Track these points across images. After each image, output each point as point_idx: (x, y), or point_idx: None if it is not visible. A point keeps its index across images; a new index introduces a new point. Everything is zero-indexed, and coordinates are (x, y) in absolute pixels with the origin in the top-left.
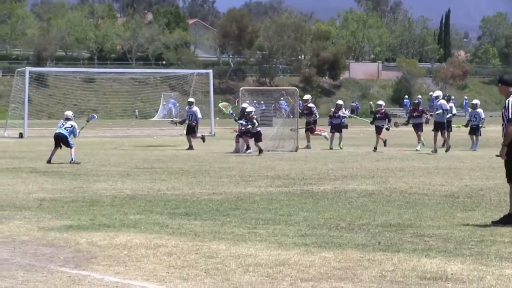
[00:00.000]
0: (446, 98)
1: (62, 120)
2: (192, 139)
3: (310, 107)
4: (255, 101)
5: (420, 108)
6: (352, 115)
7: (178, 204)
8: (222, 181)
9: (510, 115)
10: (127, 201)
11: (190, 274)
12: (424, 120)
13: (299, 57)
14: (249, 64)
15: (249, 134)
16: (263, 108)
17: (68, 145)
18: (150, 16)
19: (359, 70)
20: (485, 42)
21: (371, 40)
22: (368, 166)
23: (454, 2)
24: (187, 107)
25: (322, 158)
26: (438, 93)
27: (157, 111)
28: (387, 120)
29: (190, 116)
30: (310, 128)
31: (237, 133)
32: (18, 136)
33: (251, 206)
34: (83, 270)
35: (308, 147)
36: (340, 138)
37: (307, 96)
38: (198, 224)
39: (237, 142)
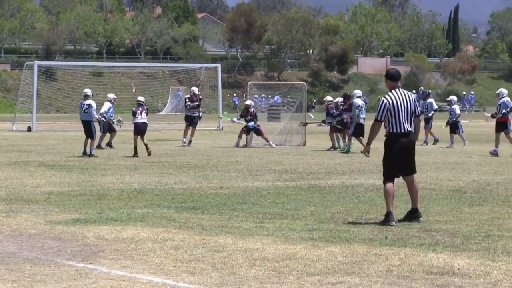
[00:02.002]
0: (425, 94)
1: (82, 101)
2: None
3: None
4: (263, 95)
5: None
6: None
7: (185, 198)
8: (230, 175)
9: (378, 116)
10: (134, 195)
11: (196, 268)
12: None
13: (308, 51)
14: (257, 58)
15: (245, 128)
16: (271, 102)
17: (90, 134)
18: (159, 10)
19: (367, 64)
20: (494, 37)
21: (379, 35)
22: (375, 160)
23: None
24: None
25: (330, 153)
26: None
27: (165, 105)
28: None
29: None
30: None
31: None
32: (26, 129)
33: (258, 200)
34: (90, 263)
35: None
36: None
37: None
38: (205, 218)
39: (239, 137)
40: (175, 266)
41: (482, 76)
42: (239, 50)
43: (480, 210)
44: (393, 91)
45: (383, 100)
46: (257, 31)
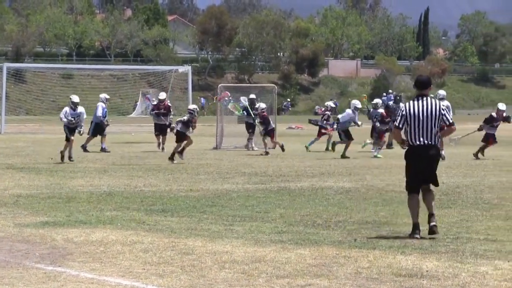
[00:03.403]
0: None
1: (69, 110)
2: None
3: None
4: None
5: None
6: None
7: (155, 200)
8: (200, 178)
9: (396, 123)
10: (104, 197)
11: (166, 271)
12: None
13: (278, 54)
14: (228, 61)
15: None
16: (241, 104)
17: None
18: (129, 12)
19: (338, 67)
20: (463, 40)
21: (350, 38)
22: (345, 163)
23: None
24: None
25: (300, 156)
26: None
27: (134, 108)
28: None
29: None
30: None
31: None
32: None
33: (228, 203)
34: (59, 266)
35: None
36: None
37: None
38: (175, 221)
39: (250, 139)
40: (144, 269)
41: (452, 79)
42: (210, 53)
43: (449, 213)
44: (415, 99)
45: (401, 107)
46: (227, 33)
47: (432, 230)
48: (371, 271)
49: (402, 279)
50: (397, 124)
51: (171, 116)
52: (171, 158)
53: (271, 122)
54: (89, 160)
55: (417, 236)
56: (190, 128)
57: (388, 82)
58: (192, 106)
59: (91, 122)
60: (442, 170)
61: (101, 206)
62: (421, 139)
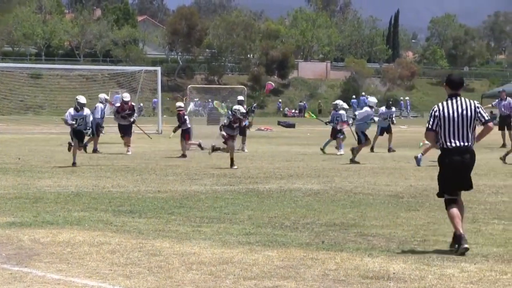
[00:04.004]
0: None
1: (72, 111)
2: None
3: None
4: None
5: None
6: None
7: (123, 201)
8: (168, 179)
9: (428, 125)
10: (71, 198)
11: (133, 272)
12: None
13: (248, 55)
14: (197, 62)
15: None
16: (210, 106)
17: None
18: (98, 12)
19: (307, 69)
20: (433, 43)
21: (320, 40)
22: (314, 165)
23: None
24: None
25: (269, 157)
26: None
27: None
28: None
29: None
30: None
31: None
32: None
33: (196, 204)
34: (25, 267)
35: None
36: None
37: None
38: (142, 222)
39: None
40: (111, 270)
41: (421, 82)
42: (180, 54)
43: (416, 215)
44: (449, 99)
45: (434, 108)
46: (197, 34)
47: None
48: (338, 273)
49: (369, 281)
50: (430, 126)
51: (135, 115)
52: (232, 164)
53: (187, 121)
54: (57, 160)
55: (466, 245)
56: (237, 129)
57: (357, 84)
58: (236, 107)
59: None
60: (410, 173)
61: (68, 206)
62: (456, 141)
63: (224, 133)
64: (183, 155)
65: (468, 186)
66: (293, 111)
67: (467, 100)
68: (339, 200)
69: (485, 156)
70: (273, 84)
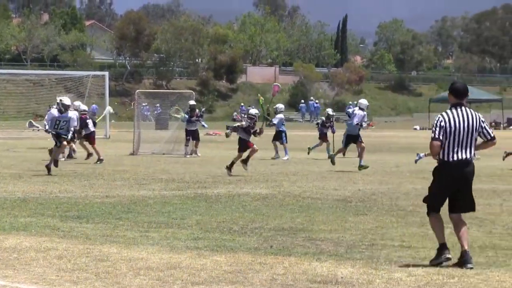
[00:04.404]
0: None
1: (54, 113)
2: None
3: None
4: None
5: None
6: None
7: (70, 207)
8: (116, 184)
9: (433, 134)
10: (18, 203)
11: (80, 278)
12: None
13: (196, 60)
14: (146, 66)
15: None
16: (159, 111)
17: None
18: (46, 17)
19: (256, 74)
20: (381, 47)
21: (268, 44)
22: (262, 170)
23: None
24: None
25: (218, 162)
26: (280, 106)
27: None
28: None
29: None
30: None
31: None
32: None
33: (144, 209)
34: None
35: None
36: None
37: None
38: (90, 227)
39: (186, 145)
40: (58, 276)
41: (369, 86)
42: (128, 58)
43: (364, 219)
44: (453, 109)
45: (439, 118)
46: (145, 39)
47: (464, 261)
48: (287, 277)
49: (317, 285)
50: (436, 136)
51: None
52: (229, 168)
53: (89, 125)
54: (3, 165)
55: (448, 255)
56: (252, 135)
57: (306, 89)
58: (253, 111)
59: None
60: (358, 177)
61: (15, 212)
62: (459, 154)
63: (239, 135)
64: (89, 155)
65: (471, 205)
66: (242, 115)
67: (471, 111)
68: (287, 205)
69: (432, 160)
70: (280, 85)
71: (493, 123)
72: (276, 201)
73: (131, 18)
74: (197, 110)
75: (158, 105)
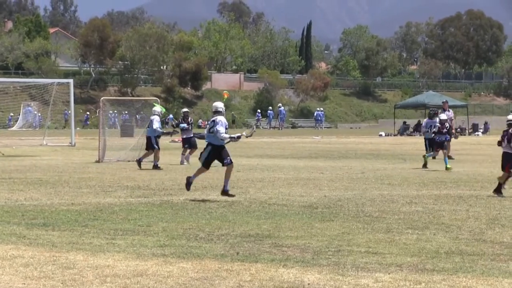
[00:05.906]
0: (433, 112)
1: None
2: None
3: None
4: (115, 111)
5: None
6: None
7: (36, 214)
8: (82, 191)
9: None
10: None
11: (46, 285)
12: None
13: (161, 67)
14: (110, 74)
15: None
16: (125, 118)
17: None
18: (10, 25)
19: (221, 81)
20: (345, 54)
21: (233, 51)
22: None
23: (315, 14)
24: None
25: (184, 169)
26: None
27: (16, 121)
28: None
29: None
30: None
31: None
32: None
33: (110, 216)
34: None
35: None
36: None
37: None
38: (56, 235)
39: (183, 154)
40: (24, 284)
41: (334, 92)
42: (92, 66)
43: (330, 226)
44: None
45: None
46: (110, 46)
47: None
48: (253, 284)
49: None
50: None
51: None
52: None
53: None
54: None
55: None
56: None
57: (271, 95)
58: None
59: None
60: (324, 184)
61: None
62: None
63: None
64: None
65: None
66: (207, 122)
67: None
68: (253, 211)
69: (398, 166)
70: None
71: (459, 129)
72: (242, 207)
73: (96, 26)
74: (190, 118)
75: (126, 112)
